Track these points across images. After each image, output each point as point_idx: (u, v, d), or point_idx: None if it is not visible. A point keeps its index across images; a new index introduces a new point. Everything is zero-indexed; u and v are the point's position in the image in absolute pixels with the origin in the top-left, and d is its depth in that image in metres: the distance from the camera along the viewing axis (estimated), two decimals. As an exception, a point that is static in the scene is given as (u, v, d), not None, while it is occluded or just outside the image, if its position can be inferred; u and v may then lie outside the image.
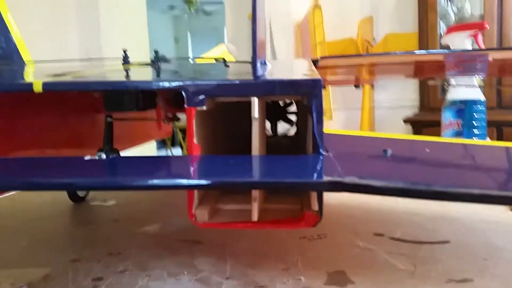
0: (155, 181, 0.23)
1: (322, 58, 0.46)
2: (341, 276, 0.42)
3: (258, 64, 0.29)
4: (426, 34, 2.69)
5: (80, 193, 0.77)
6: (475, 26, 1.04)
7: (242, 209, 0.32)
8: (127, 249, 0.51)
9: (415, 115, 2.59)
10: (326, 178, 0.22)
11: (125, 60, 0.49)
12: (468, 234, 0.55)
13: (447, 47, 1.11)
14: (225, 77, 0.35)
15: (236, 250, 0.50)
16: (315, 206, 0.28)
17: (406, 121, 2.54)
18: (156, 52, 0.51)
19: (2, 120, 0.45)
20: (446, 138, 0.41)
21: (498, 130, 2.04)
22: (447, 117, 1.05)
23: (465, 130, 1.02)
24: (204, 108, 0.27)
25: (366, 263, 0.46)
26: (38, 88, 0.27)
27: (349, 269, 0.44)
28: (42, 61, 0.54)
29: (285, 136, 0.86)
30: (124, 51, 0.49)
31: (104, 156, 0.28)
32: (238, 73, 0.39)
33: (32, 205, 0.77)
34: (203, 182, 0.23)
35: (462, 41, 1.02)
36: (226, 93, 0.28)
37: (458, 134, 1.03)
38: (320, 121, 0.27)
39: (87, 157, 0.27)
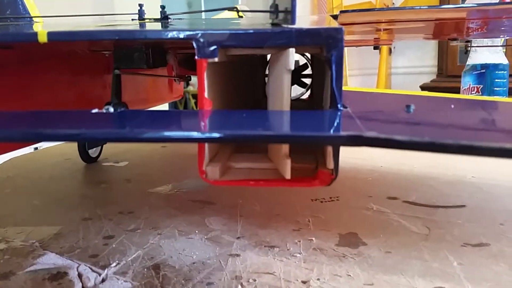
0: (165, 133, 0.22)
1: (343, 12, 0.44)
2: (353, 237, 0.42)
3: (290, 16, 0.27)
4: (447, -3, 2.59)
5: (92, 153, 0.77)
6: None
7: (254, 168, 0.31)
8: (139, 209, 0.51)
9: (433, 81, 2.54)
10: (345, 132, 0.20)
11: (140, 15, 0.47)
12: (484, 199, 0.53)
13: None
14: (239, 27, 0.33)
15: (248, 211, 0.50)
16: (330, 164, 0.27)
17: (423, 87, 2.49)
18: (162, 7, 0.49)
19: (10, 77, 0.45)
20: (467, 95, 0.39)
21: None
22: (467, 82, 1.02)
23: (485, 95, 0.99)
24: (216, 59, 0.26)
25: (379, 226, 0.45)
26: (43, 38, 0.26)
27: (361, 231, 0.43)
28: (51, 16, 0.53)
29: (298, 99, 0.84)
30: (140, 6, 0.48)
31: (111, 109, 0.26)
32: (250, 24, 0.38)
33: (44, 165, 0.77)
34: (214, 135, 0.22)
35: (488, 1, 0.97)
36: (239, 43, 0.26)
37: (477, 99, 0.99)
38: (339, 75, 0.25)
39: (94, 110, 0.26)
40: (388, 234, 0.42)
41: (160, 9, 0.48)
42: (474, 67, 1.01)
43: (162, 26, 0.44)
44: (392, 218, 0.47)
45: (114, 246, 0.41)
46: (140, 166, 0.75)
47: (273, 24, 0.30)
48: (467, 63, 1.04)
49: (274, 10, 0.31)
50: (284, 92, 0.28)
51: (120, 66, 0.39)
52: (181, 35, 0.26)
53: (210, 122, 0.25)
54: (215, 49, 0.26)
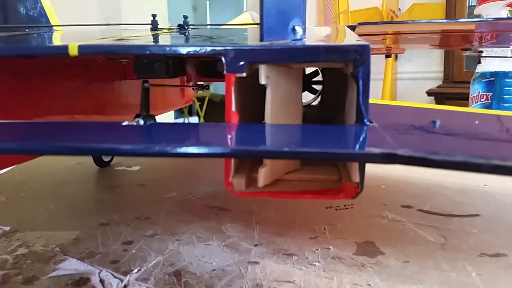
0: (198, 149, 0.22)
1: (361, 24, 0.44)
2: (371, 246, 0.42)
3: (297, 29, 0.28)
4: (454, 4, 2.60)
5: (105, 158, 0.78)
6: (512, -5, 1.00)
7: (278, 179, 0.31)
8: (155, 214, 0.52)
9: (439, 87, 2.54)
10: (377, 150, 0.21)
11: (154, 25, 0.48)
12: (497, 208, 0.54)
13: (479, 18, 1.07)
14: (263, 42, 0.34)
15: (263, 218, 0.50)
16: (356, 178, 0.27)
17: (429, 93, 2.49)
18: (185, 17, 0.49)
19: (31, 85, 0.45)
20: (491, 110, 0.39)
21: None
22: (476, 89, 1.02)
23: (495, 103, 0.99)
24: (244, 75, 0.26)
25: (395, 235, 0.45)
26: (73, 51, 0.27)
27: (378, 240, 0.43)
28: (70, 25, 0.54)
29: (308, 105, 0.85)
30: (154, 16, 0.48)
31: (141, 122, 0.27)
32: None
33: (58, 169, 0.78)
34: (245, 150, 0.22)
35: (497, 11, 0.97)
36: (269, 60, 0.27)
37: (487, 107, 1.00)
38: (366, 90, 0.26)
39: (125, 123, 0.27)
40: (404, 243, 0.43)
41: (183, 19, 0.49)
42: (484, 74, 1.01)
43: (183, 37, 0.45)
44: (407, 227, 0.47)
45: (133, 252, 0.41)
46: (153, 170, 0.76)
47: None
48: (476, 70, 1.05)
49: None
50: (268, 107, 0.28)
51: (140, 76, 0.39)
52: (210, 51, 0.27)
53: (240, 137, 0.26)
54: (243, 64, 0.26)
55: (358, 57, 0.26)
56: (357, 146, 0.24)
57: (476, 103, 1.03)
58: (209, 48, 0.27)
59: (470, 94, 1.04)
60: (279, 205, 0.53)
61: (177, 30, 0.48)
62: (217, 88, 3.80)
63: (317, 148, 0.22)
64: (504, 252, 0.40)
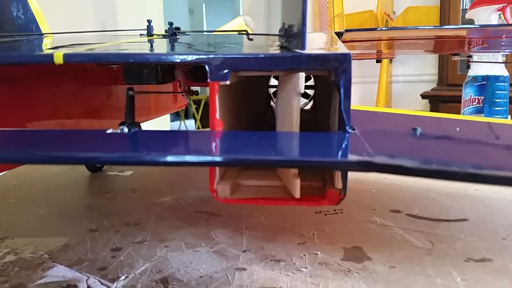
0: (181, 158, 0.22)
1: (348, 31, 0.45)
2: (358, 252, 0.42)
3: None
4: (448, 8, 2.61)
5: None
6: (503, 0, 1.00)
7: (263, 185, 0.31)
8: (145, 220, 0.52)
9: (433, 90, 2.55)
10: (355, 158, 0.21)
11: (149, 31, 0.48)
12: (486, 212, 0.54)
13: (471, 22, 1.08)
14: (248, 50, 0.34)
15: (253, 223, 0.50)
16: (338, 185, 0.28)
17: (423, 96, 2.50)
18: (170, 24, 0.49)
19: (20, 91, 0.45)
20: (474, 116, 0.39)
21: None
22: (468, 93, 1.02)
23: (486, 106, 1.00)
24: (228, 82, 0.27)
25: (383, 240, 0.45)
26: (59, 60, 0.27)
27: (365, 245, 0.44)
28: (61, 33, 0.54)
29: (301, 110, 0.85)
30: (149, 22, 0.49)
31: (126, 129, 0.27)
32: (259, 46, 0.38)
33: (49, 174, 0.78)
34: (228, 158, 0.22)
35: (488, 16, 0.98)
36: (251, 67, 0.27)
37: (478, 111, 1.00)
38: (347, 98, 0.26)
39: (109, 131, 0.27)
40: (392, 248, 0.43)
41: (168, 26, 0.49)
42: (475, 78, 1.02)
43: (170, 43, 0.45)
44: (395, 232, 0.47)
45: (122, 258, 0.41)
46: (145, 175, 0.76)
47: (282, 47, 0.31)
48: (468, 74, 1.05)
49: (284, 34, 0.32)
50: (294, 115, 0.29)
51: (129, 82, 0.40)
52: (194, 59, 0.27)
53: (223, 145, 0.26)
54: (227, 72, 0.27)
55: (339, 65, 0.26)
56: (336, 154, 0.24)
57: (468, 106, 1.03)
58: (194, 57, 0.27)
59: (462, 98, 1.05)
60: (269, 210, 0.54)
61: (168, 36, 0.49)
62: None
63: (296, 156, 0.22)
64: (490, 257, 0.41)
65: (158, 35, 0.50)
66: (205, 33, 0.69)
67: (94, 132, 0.30)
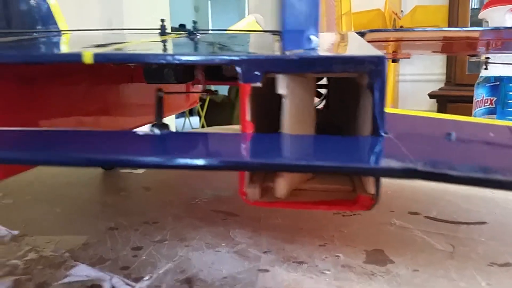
0: (217, 162, 0.22)
1: (371, 31, 0.44)
2: (380, 254, 0.42)
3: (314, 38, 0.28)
4: (456, 7, 2.60)
5: None
6: (517, 0, 1.00)
7: (291, 188, 0.31)
8: (163, 219, 0.52)
9: (441, 90, 2.54)
10: (398, 164, 0.21)
11: (162, 30, 0.48)
12: (503, 214, 0.54)
13: (482, 23, 1.07)
14: (276, 51, 0.34)
15: (271, 224, 0.50)
16: (371, 190, 0.27)
17: (431, 95, 2.49)
18: (194, 22, 0.49)
19: (38, 88, 0.45)
20: (506, 121, 0.39)
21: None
22: (480, 94, 1.02)
23: (499, 107, 0.99)
24: (260, 85, 0.27)
25: (403, 242, 0.45)
26: (88, 59, 0.27)
27: (387, 248, 0.43)
28: (77, 30, 0.54)
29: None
30: (162, 21, 0.48)
31: (158, 131, 0.27)
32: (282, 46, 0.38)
33: (61, 170, 0.78)
34: (263, 163, 0.22)
35: (502, 16, 0.97)
36: (284, 70, 0.27)
37: (491, 111, 1.00)
38: (382, 101, 0.26)
39: (141, 132, 0.27)
40: (413, 251, 0.43)
41: (192, 24, 0.49)
42: (488, 79, 1.02)
43: (193, 43, 0.45)
44: (415, 234, 0.47)
45: (143, 258, 0.41)
46: (158, 173, 0.76)
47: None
48: (481, 74, 1.05)
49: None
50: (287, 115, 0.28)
51: (150, 81, 0.39)
52: (228, 61, 0.27)
53: (257, 149, 0.26)
54: (260, 74, 0.26)
55: (374, 68, 0.26)
56: (376, 160, 0.24)
57: (480, 107, 1.03)
58: (226, 57, 0.27)
59: (474, 98, 1.04)
60: (286, 211, 0.54)
61: (186, 35, 0.48)
62: (218, 88, 3.80)
63: (335, 162, 0.22)
64: (513, 262, 0.40)
65: (177, 33, 0.50)
66: (224, 32, 0.68)
67: (125, 133, 0.30)
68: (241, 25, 0.97)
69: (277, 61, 0.27)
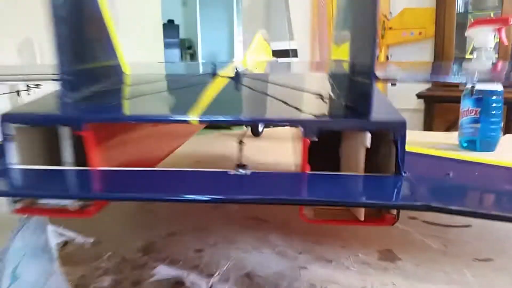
0: (287, 196, 0.34)
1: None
2: (390, 253, 0.54)
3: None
4: (443, 10, 2.72)
5: None
6: (499, 21, 1.12)
7: (335, 210, 0.43)
8: (209, 225, 0.63)
9: (428, 90, 2.67)
10: (419, 203, 0.32)
11: (214, 72, 0.59)
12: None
13: (470, 40, 1.20)
14: (324, 110, 0.45)
15: (298, 228, 0.61)
16: (394, 212, 0.39)
17: (419, 96, 2.62)
18: (236, 68, 0.60)
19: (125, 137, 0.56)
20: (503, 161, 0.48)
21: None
22: (466, 105, 1.14)
23: (483, 117, 1.12)
24: (316, 139, 0.38)
25: (407, 243, 0.57)
26: (195, 122, 0.38)
27: (394, 247, 0.55)
28: (134, 65, 0.64)
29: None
30: (214, 65, 0.59)
31: (243, 171, 0.38)
32: (331, 105, 0.48)
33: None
34: (323, 200, 0.34)
35: (485, 35, 1.10)
36: (332, 128, 0.38)
37: (475, 121, 1.12)
38: (403, 151, 0.37)
39: (231, 172, 0.38)
40: (415, 250, 0.55)
41: (235, 70, 0.59)
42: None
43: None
44: (416, 236, 0.59)
45: (206, 258, 0.53)
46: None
47: (347, 106, 0.43)
48: (466, 87, 1.17)
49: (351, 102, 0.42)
50: (360, 163, 0.40)
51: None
52: (295, 121, 0.38)
53: (313, 188, 0.37)
54: (316, 132, 0.38)
55: (399, 129, 0.37)
56: (400, 198, 0.35)
57: (466, 116, 1.15)
58: (294, 119, 0.38)
59: (460, 109, 1.17)
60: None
61: (232, 78, 0.59)
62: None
63: (371, 199, 0.34)
64: (492, 257, 0.53)
65: (224, 76, 0.60)
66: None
67: (218, 173, 0.41)
68: (253, 46, 1.07)
69: (327, 122, 0.38)
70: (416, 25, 2.84)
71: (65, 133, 0.44)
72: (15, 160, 0.44)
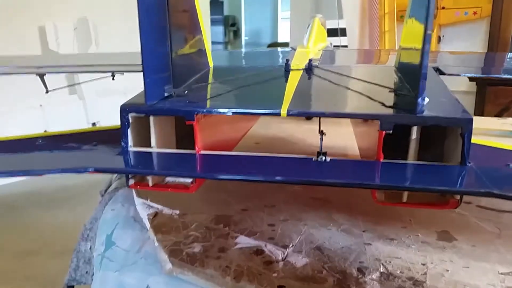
0: (360, 181, 0.40)
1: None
2: (447, 234, 0.59)
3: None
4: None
5: None
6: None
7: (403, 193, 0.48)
8: (277, 203, 0.70)
9: (482, 73, 2.60)
10: (483, 189, 0.38)
11: (287, 68, 0.64)
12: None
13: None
14: (399, 106, 0.50)
15: (359, 209, 0.67)
16: (457, 197, 0.44)
17: (471, 78, 2.57)
18: (309, 60, 0.65)
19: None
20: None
21: None
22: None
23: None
24: (391, 132, 0.43)
25: (463, 225, 0.62)
26: (284, 114, 0.44)
27: (451, 229, 0.60)
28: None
29: None
30: (287, 61, 0.64)
31: (325, 158, 0.45)
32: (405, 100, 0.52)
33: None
34: (399, 185, 0.40)
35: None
36: (410, 123, 0.43)
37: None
38: (469, 143, 0.42)
39: (314, 158, 0.44)
40: (470, 232, 0.60)
41: (307, 62, 0.65)
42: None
43: (308, 76, 0.61)
44: (471, 219, 0.64)
45: (279, 232, 0.60)
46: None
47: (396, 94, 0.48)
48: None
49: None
50: (413, 151, 0.45)
51: None
52: (371, 115, 0.44)
53: (389, 174, 0.43)
54: (392, 125, 0.43)
55: (467, 124, 0.42)
56: (466, 184, 0.41)
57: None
58: (370, 114, 0.44)
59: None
60: (369, 199, 0.71)
61: (305, 71, 0.64)
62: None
63: (439, 186, 0.39)
64: (545, 242, 0.57)
65: (297, 69, 0.65)
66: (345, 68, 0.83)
67: (303, 159, 0.48)
68: (314, 32, 1.10)
69: (402, 117, 0.44)
70: (471, 3, 2.75)
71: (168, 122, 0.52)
72: (130, 143, 0.52)
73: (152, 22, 0.51)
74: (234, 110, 0.51)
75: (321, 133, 0.50)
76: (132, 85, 0.70)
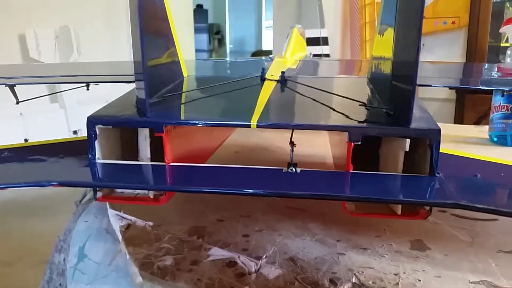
0: (330, 193, 0.39)
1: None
2: (420, 243, 0.59)
3: None
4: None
5: None
6: (532, 19, 1.14)
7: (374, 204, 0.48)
8: (254, 213, 0.69)
9: (460, 81, 2.64)
10: (450, 201, 0.38)
11: (262, 76, 0.64)
12: None
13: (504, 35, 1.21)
14: (366, 116, 0.50)
15: (334, 219, 0.67)
16: (427, 208, 0.44)
17: (450, 86, 2.61)
18: (282, 72, 0.65)
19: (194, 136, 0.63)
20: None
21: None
22: (497, 100, 1.17)
23: (514, 113, 1.14)
24: (359, 143, 0.43)
25: (436, 234, 0.62)
26: (254, 126, 0.44)
27: (425, 238, 0.61)
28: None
29: None
30: (263, 69, 0.64)
31: (295, 169, 0.44)
32: (374, 111, 0.52)
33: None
34: (362, 197, 0.40)
35: (519, 33, 1.11)
36: (375, 134, 0.43)
37: (507, 116, 1.15)
38: (437, 154, 0.42)
39: (284, 170, 0.44)
40: (444, 241, 0.60)
41: (280, 74, 0.65)
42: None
43: (281, 88, 0.61)
44: (445, 228, 0.64)
45: (254, 242, 0.59)
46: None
47: (387, 113, 0.48)
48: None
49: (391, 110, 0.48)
50: (399, 164, 0.45)
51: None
52: (339, 127, 0.44)
53: (355, 186, 0.43)
54: (360, 137, 0.43)
55: (435, 136, 0.42)
56: (434, 196, 0.41)
57: (497, 112, 1.18)
58: (338, 125, 0.44)
59: (492, 104, 1.19)
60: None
61: (279, 83, 0.64)
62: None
63: (407, 197, 0.39)
64: (515, 250, 0.57)
65: (271, 80, 0.66)
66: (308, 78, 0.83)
67: (272, 170, 0.47)
68: (293, 40, 1.11)
69: (371, 129, 0.44)
70: (449, 13, 2.81)
71: (145, 133, 0.51)
72: (98, 155, 0.51)
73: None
74: (203, 122, 0.51)
75: (292, 144, 0.50)
76: (114, 93, 0.70)
